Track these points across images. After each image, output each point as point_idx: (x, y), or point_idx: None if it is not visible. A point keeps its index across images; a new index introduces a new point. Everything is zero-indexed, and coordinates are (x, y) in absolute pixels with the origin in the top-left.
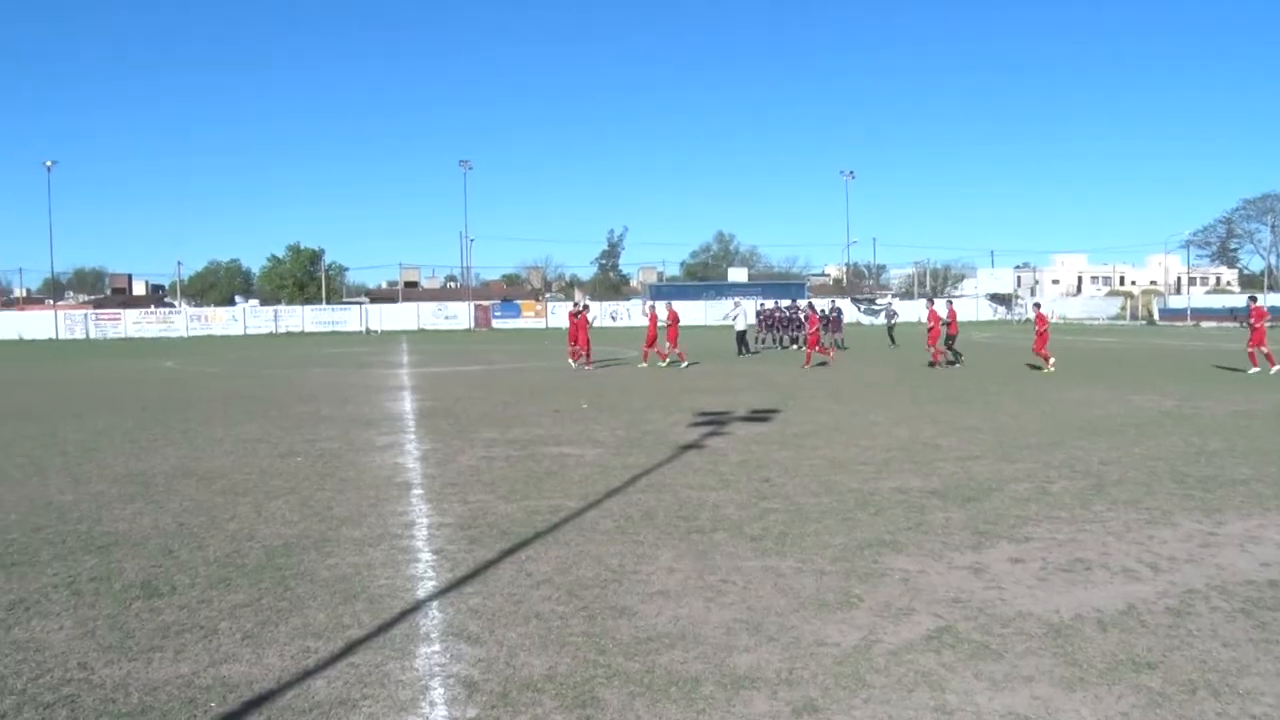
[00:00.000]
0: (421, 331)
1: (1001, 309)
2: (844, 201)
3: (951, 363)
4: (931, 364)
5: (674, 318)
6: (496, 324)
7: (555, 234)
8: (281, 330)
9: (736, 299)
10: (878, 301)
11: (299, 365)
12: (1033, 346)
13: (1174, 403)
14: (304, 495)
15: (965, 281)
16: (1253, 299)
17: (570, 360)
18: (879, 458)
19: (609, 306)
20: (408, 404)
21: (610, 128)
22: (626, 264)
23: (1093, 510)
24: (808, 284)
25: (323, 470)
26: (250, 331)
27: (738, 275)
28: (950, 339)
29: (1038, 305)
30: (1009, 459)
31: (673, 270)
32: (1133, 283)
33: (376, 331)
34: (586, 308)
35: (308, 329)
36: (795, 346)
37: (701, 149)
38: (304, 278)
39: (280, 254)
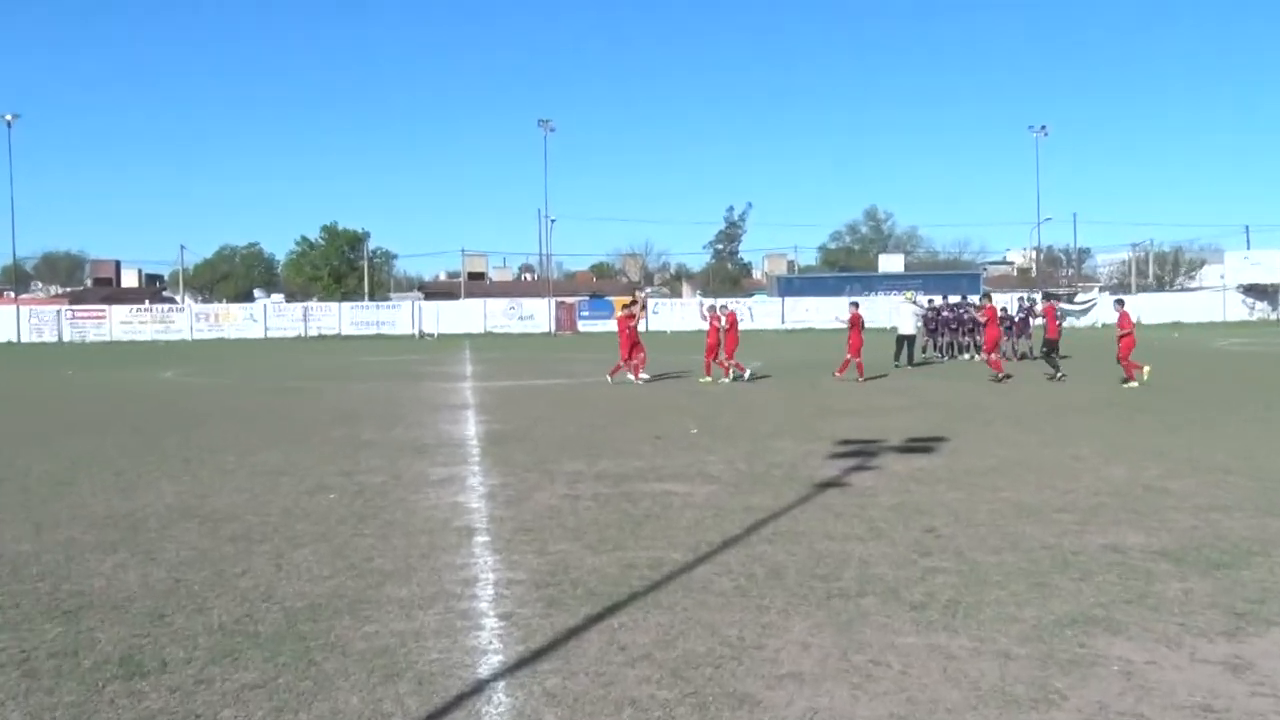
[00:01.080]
0: (489, 335)
1: (1262, 305)
2: (1033, 166)
3: (1051, 376)
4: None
5: (733, 321)
6: (583, 326)
7: (657, 213)
8: (313, 333)
9: (913, 292)
10: (1078, 297)
11: (334, 377)
12: (1116, 354)
13: None
14: (337, 543)
15: (1206, 268)
16: None
17: (629, 374)
18: (1084, 504)
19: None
20: (471, 427)
21: (724, 78)
22: (748, 249)
23: None
24: (984, 274)
25: (362, 511)
26: (273, 334)
27: (891, 264)
28: (1049, 345)
29: (1120, 303)
30: (1276, 512)
31: (807, 257)
32: None
33: (432, 335)
34: (639, 302)
35: (346, 331)
36: (969, 356)
37: (842, 99)
38: (342, 267)
39: (311, 236)
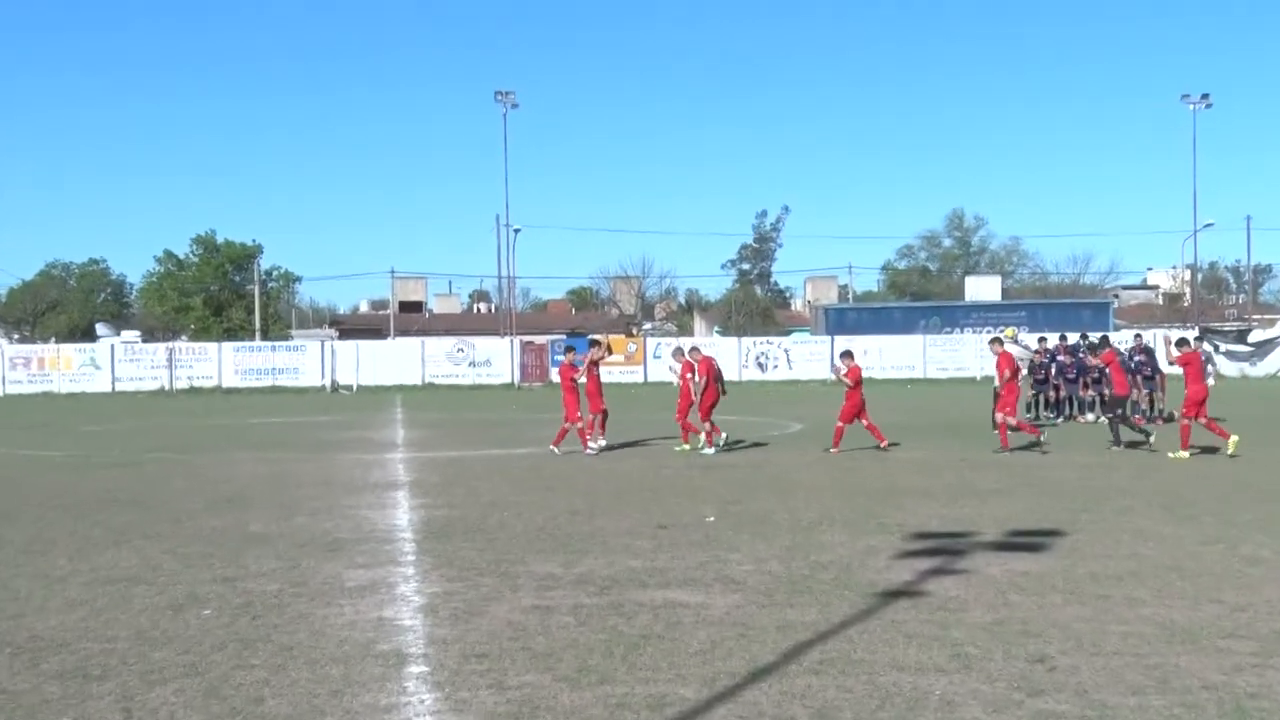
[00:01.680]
0: (428, 388)
1: None
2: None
3: (1134, 443)
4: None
5: (707, 369)
6: (557, 374)
7: (659, 221)
8: (182, 384)
9: (1014, 329)
10: (1253, 335)
11: (212, 446)
12: (1183, 411)
13: None
14: (212, 678)
15: None
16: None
17: (589, 440)
18: (1264, 627)
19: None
20: (403, 514)
21: (746, 42)
22: (785, 270)
23: None
24: (1114, 303)
25: (248, 632)
26: (125, 385)
27: (984, 289)
28: (1116, 404)
29: (1182, 342)
30: None
31: (866, 281)
32: None
33: (350, 388)
34: (601, 346)
35: (229, 382)
36: (1093, 417)
37: (910, 64)
38: (224, 294)
39: (180, 251)
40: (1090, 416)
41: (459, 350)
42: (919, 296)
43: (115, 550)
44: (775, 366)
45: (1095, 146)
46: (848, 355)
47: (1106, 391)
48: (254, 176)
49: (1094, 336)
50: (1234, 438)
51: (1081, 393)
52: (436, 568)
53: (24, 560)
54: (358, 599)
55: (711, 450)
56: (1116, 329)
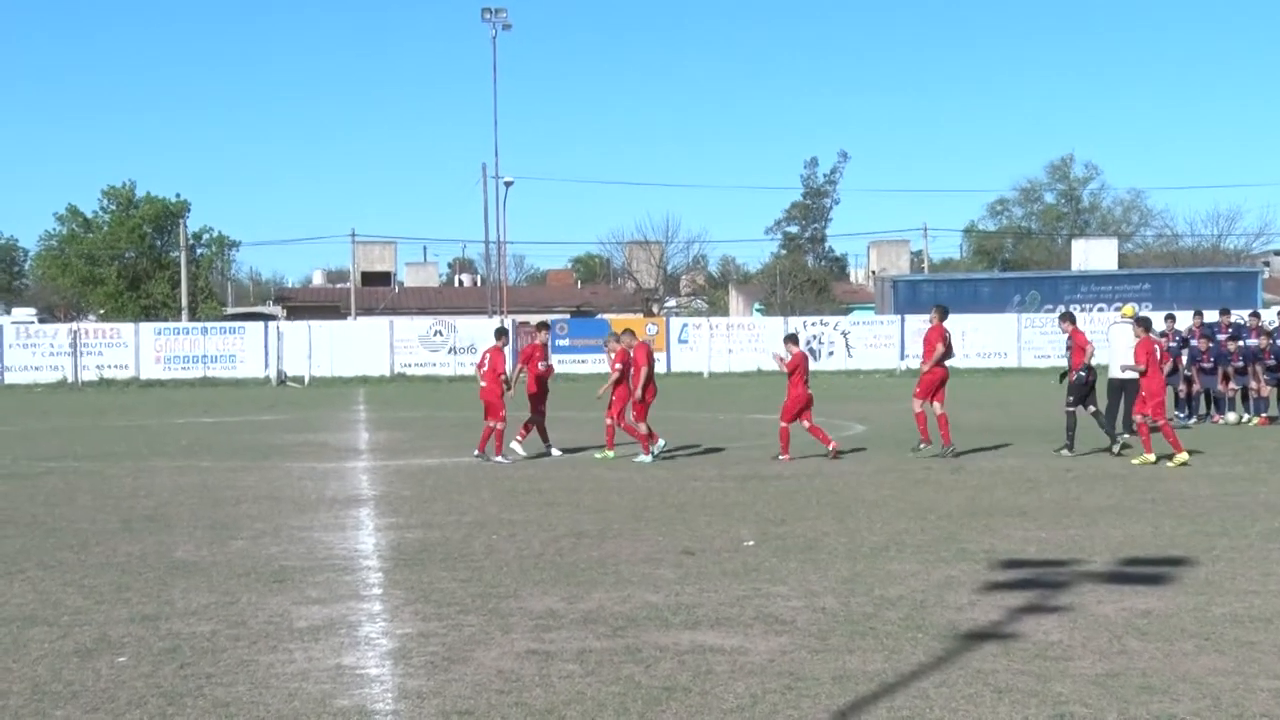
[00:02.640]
0: (398, 380)
1: None
2: None
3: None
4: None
5: (642, 359)
6: (561, 361)
7: (687, 174)
8: (89, 375)
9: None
10: None
11: (129, 452)
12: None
13: None
14: None
15: None
16: None
17: (513, 443)
18: None
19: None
20: (367, 537)
21: None
22: (843, 233)
23: None
24: (1263, 272)
25: (174, 685)
26: (16, 376)
27: (1096, 254)
28: (1076, 388)
29: (1140, 320)
30: None
31: (945, 247)
32: None
33: (301, 380)
34: (544, 327)
35: (149, 373)
36: (1238, 417)
37: None
38: (142, 263)
39: (86, 209)
40: (1232, 416)
41: (436, 333)
42: (1012, 266)
43: (5, 583)
44: (830, 353)
45: (1240, 75)
46: (792, 339)
47: (1253, 384)
48: (178, 117)
49: (1240, 314)
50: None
51: (1220, 387)
52: (409, 603)
53: None
54: (310, 642)
55: (648, 458)
56: (1266, 305)
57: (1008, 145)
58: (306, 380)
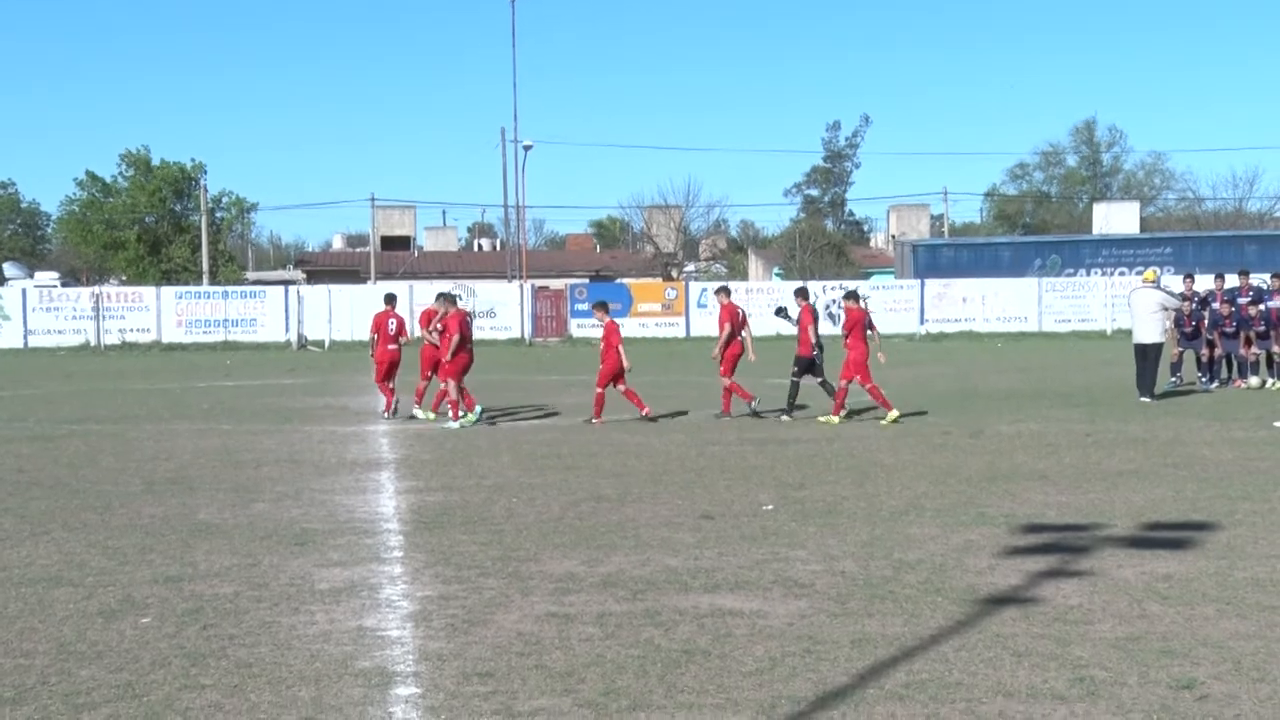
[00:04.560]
0: (419, 343)
1: None
2: None
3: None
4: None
5: (459, 325)
6: (578, 326)
7: (705, 137)
8: (112, 339)
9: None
10: None
11: (151, 415)
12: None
13: None
14: (152, 702)
15: None
16: None
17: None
18: None
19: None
20: (388, 499)
21: None
22: (862, 197)
23: None
24: None
25: (197, 645)
26: (39, 340)
27: (1118, 218)
28: (798, 363)
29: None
30: None
31: (966, 210)
32: None
33: (321, 344)
34: (451, 299)
35: (171, 336)
36: (1262, 380)
37: None
38: (162, 227)
39: (105, 175)
40: (1255, 380)
41: (457, 296)
42: (1033, 230)
43: (31, 544)
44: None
45: (1263, 31)
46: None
47: (1275, 348)
48: (196, 81)
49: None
50: None
51: (1243, 351)
52: (429, 566)
53: None
54: (332, 604)
55: (456, 424)
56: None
57: (1029, 108)
58: (326, 344)
